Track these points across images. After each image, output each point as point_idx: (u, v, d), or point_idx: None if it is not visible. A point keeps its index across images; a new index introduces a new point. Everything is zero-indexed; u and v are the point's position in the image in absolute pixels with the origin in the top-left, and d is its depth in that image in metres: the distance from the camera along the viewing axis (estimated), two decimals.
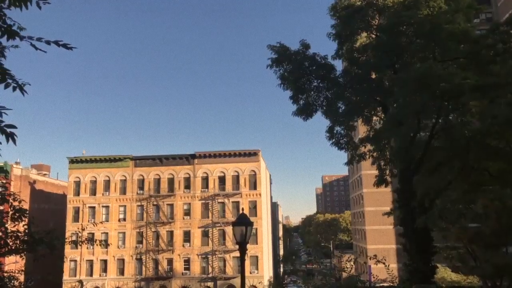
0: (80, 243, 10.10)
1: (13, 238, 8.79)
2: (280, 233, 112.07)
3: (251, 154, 62.33)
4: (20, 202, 9.12)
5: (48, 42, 4.66)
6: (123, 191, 62.71)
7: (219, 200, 61.10)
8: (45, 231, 9.00)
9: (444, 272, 35.91)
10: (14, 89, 4.66)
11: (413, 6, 16.74)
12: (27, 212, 9.27)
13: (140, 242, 60.95)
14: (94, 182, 63.05)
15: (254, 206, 60.44)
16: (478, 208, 19.26)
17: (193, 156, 62.70)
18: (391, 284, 16.07)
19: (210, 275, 58.75)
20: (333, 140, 19.96)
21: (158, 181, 62.52)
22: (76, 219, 61.21)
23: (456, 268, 33.88)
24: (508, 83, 13.46)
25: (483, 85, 13.45)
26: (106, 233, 59.85)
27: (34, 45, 4.65)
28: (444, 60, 16.42)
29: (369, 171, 51.58)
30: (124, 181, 63.00)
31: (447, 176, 16.32)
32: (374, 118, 20.29)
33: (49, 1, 4.63)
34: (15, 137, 4.37)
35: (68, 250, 56.58)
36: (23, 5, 4.48)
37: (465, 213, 19.75)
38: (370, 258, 12.76)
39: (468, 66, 15.88)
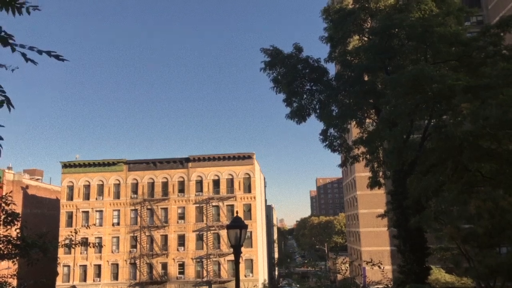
0: (74, 246, 10.00)
1: (5, 242, 8.69)
2: (275, 236, 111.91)
3: (245, 157, 62.30)
4: (8, 204, 8.99)
5: (40, 52, 4.57)
6: (117, 195, 62.36)
7: (214, 204, 60.95)
8: (37, 234, 8.92)
9: (438, 273, 36.09)
10: (1, 104, 4.55)
11: (405, 9, 16.92)
12: (20, 216, 9.17)
13: (134, 246, 60.59)
14: (87, 187, 62.64)
15: (248, 209, 60.36)
16: (471, 209, 19.39)
17: (187, 160, 62.56)
18: (386, 286, 16.07)
19: (205, 279, 58.51)
20: (327, 142, 20.06)
21: (152, 185, 62.27)
22: (69, 224, 60.65)
23: (450, 269, 34.09)
24: (499, 85, 13.58)
25: (474, 86, 13.57)
26: (100, 238, 59.36)
27: (25, 55, 4.54)
28: (436, 62, 16.57)
29: (362, 173, 51.71)
30: (117, 185, 62.66)
31: (440, 178, 16.41)
32: (367, 120, 20.40)
33: (39, 8, 4.55)
34: (0, 148, 4.28)
35: (61, 255, 56.17)
36: (15, 9, 4.34)
37: (459, 214, 19.88)
38: (367, 263, 12.78)
39: (460, 68, 16.05)
